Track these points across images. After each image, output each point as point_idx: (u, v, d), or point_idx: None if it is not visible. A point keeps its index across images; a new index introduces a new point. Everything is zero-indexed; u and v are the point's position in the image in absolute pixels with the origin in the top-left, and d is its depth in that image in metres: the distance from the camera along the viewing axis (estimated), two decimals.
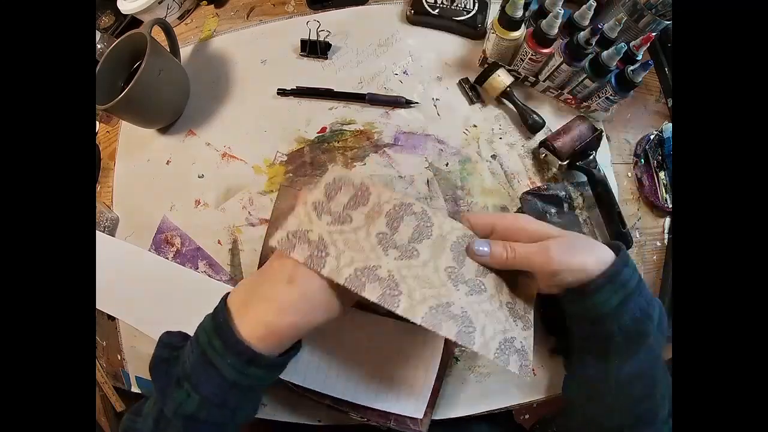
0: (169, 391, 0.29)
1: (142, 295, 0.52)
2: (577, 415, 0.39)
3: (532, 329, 0.35)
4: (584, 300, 0.33)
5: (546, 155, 0.47)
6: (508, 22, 0.44)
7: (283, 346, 0.31)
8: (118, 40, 0.50)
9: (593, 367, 0.37)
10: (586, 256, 0.33)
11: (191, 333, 0.32)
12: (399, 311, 0.31)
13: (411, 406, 0.42)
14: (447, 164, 0.48)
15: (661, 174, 0.50)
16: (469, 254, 0.35)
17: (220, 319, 0.30)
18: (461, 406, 0.46)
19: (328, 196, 0.35)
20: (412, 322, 0.31)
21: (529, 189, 0.47)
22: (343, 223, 0.34)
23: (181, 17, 0.60)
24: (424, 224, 0.35)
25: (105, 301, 0.53)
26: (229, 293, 0.32)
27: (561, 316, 0.44)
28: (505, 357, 0.32)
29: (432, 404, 0.43)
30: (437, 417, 0.45)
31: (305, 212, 0.34)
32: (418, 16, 0.52)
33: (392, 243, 0.34)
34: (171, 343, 0.33)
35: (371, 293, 0.31)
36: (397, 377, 0.43)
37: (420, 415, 0.42)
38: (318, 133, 0.50)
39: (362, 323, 0.41)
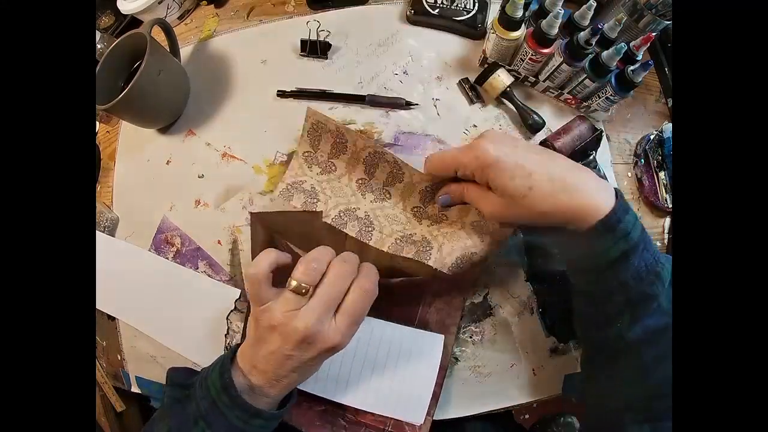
0: (186, 428, 0.34)
1: (141, 295, 0.52)
2: (591, 391, 0.38)
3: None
4: (578, 246, 0.33)
5: None
6: (508, 22, 0.44)
7: (282, 396, 0.36)
8: (118, 40, 0.50)
9: (595, 335, 0.36)
10: (579, 197, 0.31)
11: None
12: (372, 243, 0.41)
13: (411, 412, 0.42)
14: None
15: (661, 174, 0.50)
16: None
17: (226, 379, 0.34)
18: (461, 406, 0.46)
19: (313, 146, 0.43)
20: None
21: None
22: (330, 173, 0.43)
23: (181, 17, 0.60)
24: (396, 171, 0.41)
25: (105, 301, 0.53)
26: (235, 351, 0.37)
27: (561, 316, 0.44)
28: (459, 268, 0.38)
29: (431, 411, 0.43)
30: (437, 417, 0.45)
31: (299, 164, 0.44)
32: (418, 16, 0.52)
33: (369, 187, 0.43)
34: (181, 383, 0.38)
35: (351, 230, 0.41)
36: (397, 382, 0.43)
37: (420, 421, 0.42)
38: None
39: (363, 328, 0.41)
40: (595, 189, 0.32)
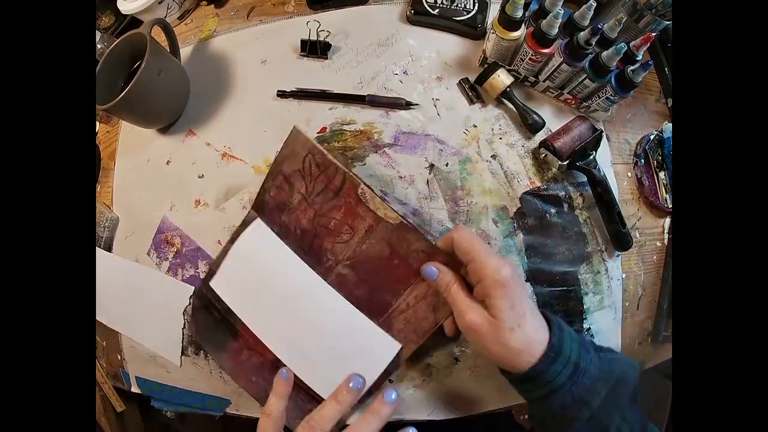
0: None
1: (137, 308, 0.52)
2: None
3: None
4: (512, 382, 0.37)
5: (546, 155, 0.47)
6: (508, 22, 0.44)
7: None
8: (118, 40, 0.50)
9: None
10: (523, 344, 0.33)
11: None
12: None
13: None
14: (447, 164, 0.48)
15: (661, 174, 0.50)
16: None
17: None
18: (461, 406, 0.46)
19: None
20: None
21: (529, 189, 0.47)
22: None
23: (181, 17, 0.60)
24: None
25: (101, 314, 0.53)
26: None
27: (561, 316, 0.44)
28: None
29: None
30: (437, 417, 0.46)
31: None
32: (418, 16, 0.52)
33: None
34: None
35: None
36: (336, 364, 0.43)
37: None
38: (318, 133, 0.50)
39: (331, 304, 0.43)
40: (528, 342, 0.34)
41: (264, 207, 0.45)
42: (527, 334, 0.33)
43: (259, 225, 0.45)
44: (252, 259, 0.46)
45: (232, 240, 0.47)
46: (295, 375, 0.43)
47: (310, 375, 0.44)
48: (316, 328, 0.44)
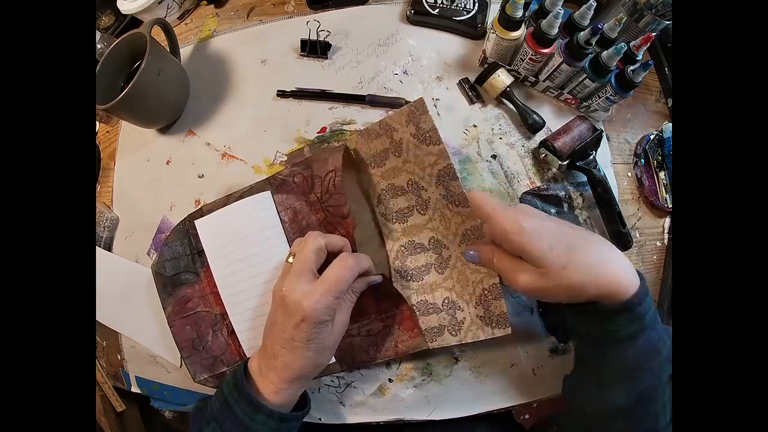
0: (201, 428, 0.37)
1: (137, 309, 0.52)
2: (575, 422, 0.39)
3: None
4: (592, 321, 0.33)
5: (546, 155, 0.47)
6: (508, 22, 0.44)
7: (292, 399, 0.38)
8: (118, 40, 0.50)
9: (584, 390, 0.36)
10: (613, 273, 0.32)
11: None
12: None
13: None
14: None
15: (661, 174, 0.50)
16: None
17: (238, 376, 0.37)
18: (461, 406, 0.46)
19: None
20: None
21: (529, 189, 0.47)
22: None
23: (181, 17, 0.60)
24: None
25: (101, 314, 0.53)
26: (247, 360, 0.40)
27: (561, 316, 0.44)
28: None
29: None
30: (437, 417, 0.46)
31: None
32: (418, 16, 0.52)
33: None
34: (203, 397, 0.42)
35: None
36: None
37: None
38: (318, 133, 0.50)
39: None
40: (626, 268, 0.32)
41: (283, 186, 0.46)
42: (585, 262, 0.31)
43: (267, 198, 0.46)
44: (245, 223, 0.46)
45: (235, 198, 0.47)
46: (233, 331, 0.45)
47: (247, 340, 0.45)
48: None
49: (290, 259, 0.38)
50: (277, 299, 0.37)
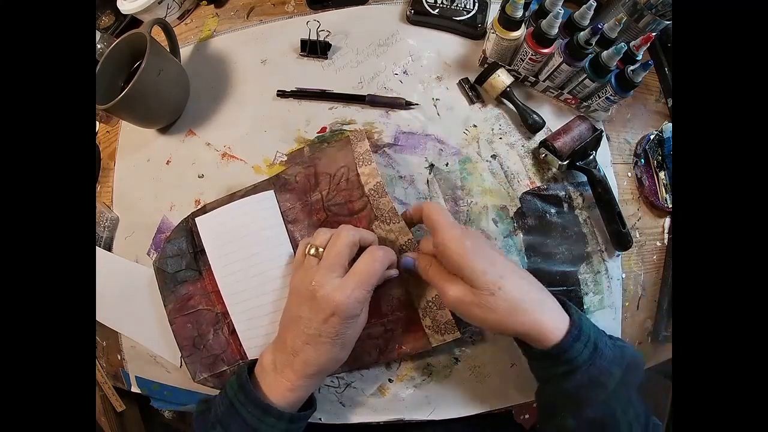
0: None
1: (137, 309, 0.52)
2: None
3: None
4: (525, 354, 0.36)
5: (546, 155, 0.47)
6: (508, 22, 0.44)
7: (304, 396, 0.37)
8: (118, 40, 0.50)
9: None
10: (537, 315, 0.33)
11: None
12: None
13: None
14: (447, 164, 0.48)
15: (661, 174, 0.50)
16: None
17: (243, 378, 0.36)
18: (461, 406, 0.46)
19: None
20: None
21: (529, 189, 0.47)
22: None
23: (181, 17, 0.60)
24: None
25: (101, 314, 0.53)
26: (250, 361, 0.40)
27: None
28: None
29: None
30: (437, 417, 0.45)
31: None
32: (418, 16, 0.52)
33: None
34: (204, 399, 0.41)
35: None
36: None
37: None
38: (318, 133, 0.50)
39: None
40: (551, 314, 0.33)
41: (285, 185, 0.46)
42: (511, 293, 0.33)
43: (270, 197, 0.46)
44: (247, 222, 0.45)
45: (238, 197, 0.47)
46: (234, 330, 0.45)
47: (248, 339, 0.45)
48: (275, 310, 0.44)
49: (311, 251, 0.37)
50: (303, 294, 0.36)
